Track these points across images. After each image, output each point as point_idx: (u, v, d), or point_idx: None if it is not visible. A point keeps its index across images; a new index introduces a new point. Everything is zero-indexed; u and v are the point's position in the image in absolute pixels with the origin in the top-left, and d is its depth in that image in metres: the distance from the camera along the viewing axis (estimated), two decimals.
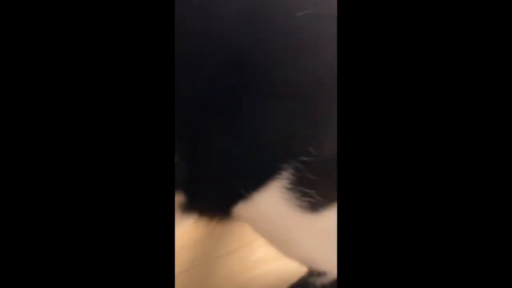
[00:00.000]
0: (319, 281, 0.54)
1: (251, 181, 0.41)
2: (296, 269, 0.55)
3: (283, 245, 0.46)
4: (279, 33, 0.39)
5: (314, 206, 0.40)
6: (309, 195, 0.40)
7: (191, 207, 0.42)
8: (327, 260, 0.45)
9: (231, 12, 0.38)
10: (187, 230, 0.48)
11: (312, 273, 0.55)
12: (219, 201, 0.42)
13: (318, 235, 0.43)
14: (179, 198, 0.41)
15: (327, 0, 0.37)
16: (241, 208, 0.42)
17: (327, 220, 0.41)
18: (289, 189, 0.39)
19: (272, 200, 0.40)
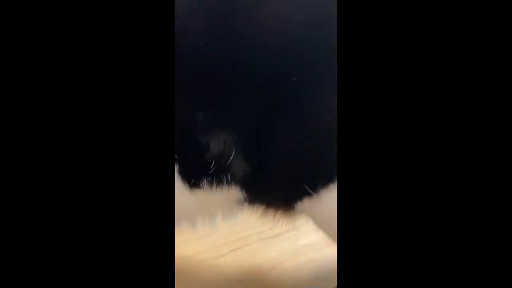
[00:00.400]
0: None
1: (320, 176, 0.38)
2: None
3: None
4: None
5: None
6: None
7: (255, 201, 0.40)
8: None
9: None
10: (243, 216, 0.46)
11: None
12: (284, 196, 0.39)
13: None
14: (240, 193, 0.39)
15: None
16: (306, 204, 0.39)
17: None
18: None
19: None
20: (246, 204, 0.41)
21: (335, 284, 0.53)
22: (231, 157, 0.36)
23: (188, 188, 0.39)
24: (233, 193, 0.39)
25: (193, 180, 0.38)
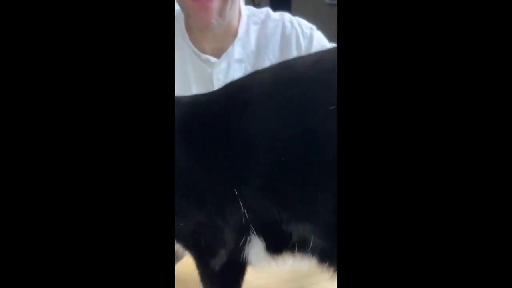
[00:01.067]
0: None
1: None
2: None
3: None
4: None
5: None
6: None
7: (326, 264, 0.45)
8: None
9: None
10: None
11: None
12: None
13: None
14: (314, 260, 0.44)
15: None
16: None
17: None
18: None
19: None
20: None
21: None
22: (310, 244, 0.42)
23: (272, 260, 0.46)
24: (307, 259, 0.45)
25: (277, 255, 0.46)
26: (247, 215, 0.44)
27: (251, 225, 0.44)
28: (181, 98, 0.51)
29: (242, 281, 0.55)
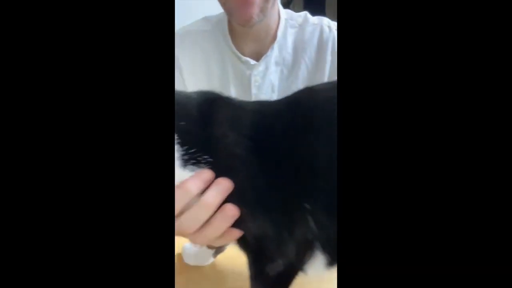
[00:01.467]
0: None
1: None
2: None
3: None
4: None
5: None
6: None
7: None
8: None
9: None
10: None
11: None
12: None
13: None
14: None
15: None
16: None
17: None
18: None
19: None
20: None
21: None
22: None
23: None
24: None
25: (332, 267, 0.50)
26: (315, 230, 0.46)
27: (317, 241, 0.48)
28: (246, 103, 0.52)
29: (291, 285, 0.60)
